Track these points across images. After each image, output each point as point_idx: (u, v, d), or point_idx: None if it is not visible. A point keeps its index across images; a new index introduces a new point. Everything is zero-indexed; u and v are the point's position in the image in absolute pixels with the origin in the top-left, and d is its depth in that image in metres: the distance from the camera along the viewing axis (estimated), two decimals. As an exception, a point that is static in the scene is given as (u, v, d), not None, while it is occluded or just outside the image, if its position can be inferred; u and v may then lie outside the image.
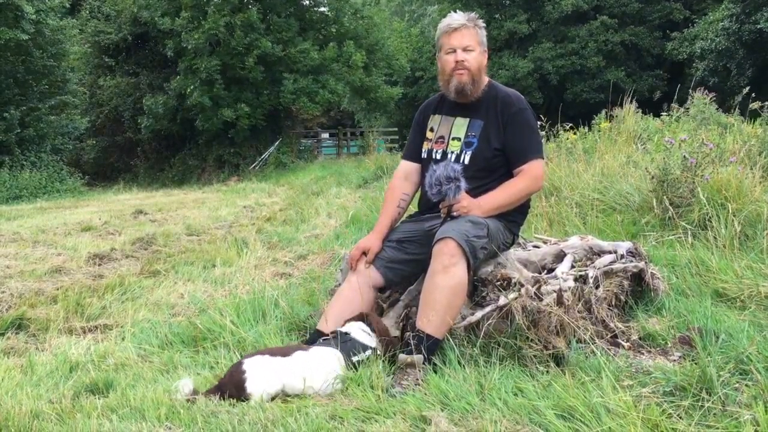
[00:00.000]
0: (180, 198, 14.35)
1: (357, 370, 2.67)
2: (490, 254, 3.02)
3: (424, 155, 3.33)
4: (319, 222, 8.09)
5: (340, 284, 3.42)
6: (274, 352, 2.68)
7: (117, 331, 3.71)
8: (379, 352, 2.80)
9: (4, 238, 7.32)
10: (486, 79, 3.26)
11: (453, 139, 3.21)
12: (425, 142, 3.34)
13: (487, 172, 3.13)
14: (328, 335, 2.86)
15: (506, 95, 3.20)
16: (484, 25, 3.24)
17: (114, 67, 25.86)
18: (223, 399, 2.51)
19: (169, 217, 9.66)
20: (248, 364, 2.58)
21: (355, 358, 2.71)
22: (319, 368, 2.61)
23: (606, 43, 31.74)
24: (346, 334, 2.82)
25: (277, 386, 2.57)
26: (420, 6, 41.53)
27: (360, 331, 2.85)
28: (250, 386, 2.52)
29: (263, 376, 2.55)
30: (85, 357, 3.20)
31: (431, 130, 3.33)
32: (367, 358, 2.73)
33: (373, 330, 2.88)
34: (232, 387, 2.54)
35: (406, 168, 3.41)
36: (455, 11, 3.27)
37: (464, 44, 3.10)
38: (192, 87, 21.84)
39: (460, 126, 3.22)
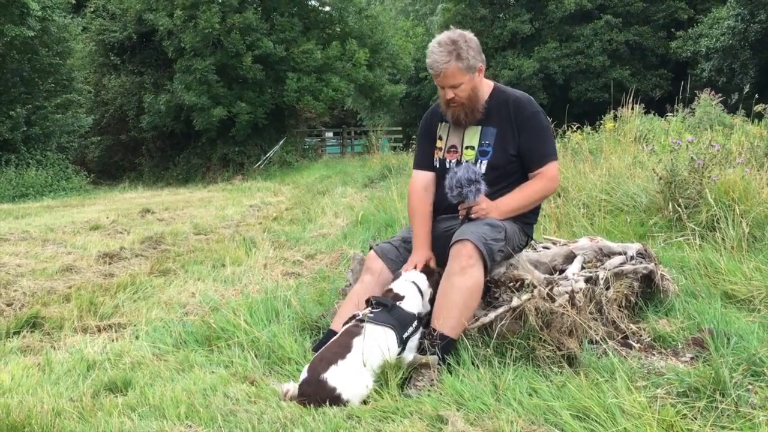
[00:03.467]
0: (186, 197, 14.40)
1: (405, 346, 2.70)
2: (506, 256, 3.05)
3: (436, 164, 3.29)
4: (326, 221, 8.12)
5: (350, 284, 3.45)
6: (337, 354, 2.60)
7: (131, 330, 3.75)
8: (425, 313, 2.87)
9: (13, 236, 7.37)
10: (489, 86, 3.21)
11: (467, 147, 3.19)
12: (436, 151, 3.30)
13: (503, 177, 3.15)
14: (376, 300, 2.83)
15: (517, 99, 3.18)
16: (468, 42, 3.02)
17: (119, 66, 25.90)
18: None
19: (176, 216, 9.70)
20: (333, 379, 2.52)
21: (405, 335, 2.71)
22: (377, 348, 2.62)
23: (610, 43, 31.75)
24: (399, 298, 2.83)
25: (370, 383, 2.56)
26: (424, 5, 41.49)
27: (413, 292, 2.87)
28: (347, 395, 2.51)
29: (354, 382, 2.54)
30: (102, 356, 3.24)
31: (440, 138, 3.30)
32: (414, 329, 2.76)
33: (432, 285, 2.93)
34: (323, 401, 2.48)
35: (424, 179, 3.32)
36: (442, 31, 3.13)
37: (450, 84, 3.03)
38: (183, 86, 21.82)
39: (472, 134, 3.19)
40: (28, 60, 19.86)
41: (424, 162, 3.36)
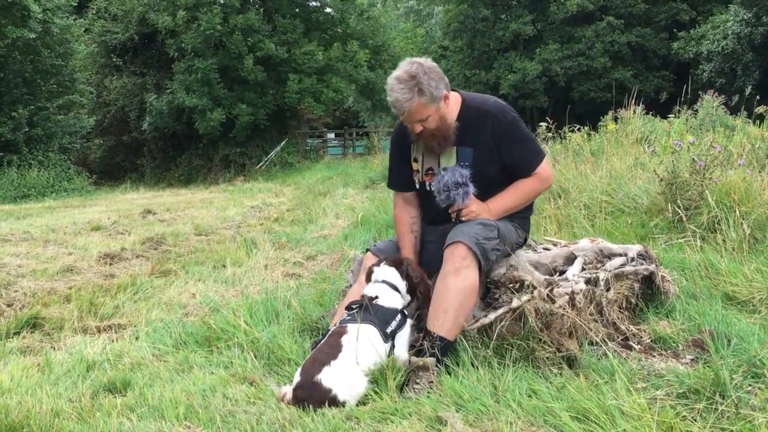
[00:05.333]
0: (187, 198, 14.41)
1: (393, 340, 2.71)
2: (503, 255, 3.04)
3: (418, 186, 3.22)
4: (327, 222, 8.13)
5: (350, 285, 3.44)
6: (329, 354, 2.60)
7: (131, 331, 3.75)
8: (408, 308, 2.87)
9: (15, 237, 7.38)
10: (457, 102, 3.07)
11: (443, 169, 3.09)
12: (414, 174, 3.21)
13: (486, 189, 3.07)
14: (357, 304, 2.83)
15: (490, 112, 3.03)
16: (429, 73, 2.88)
17: (121, 67, 25.93)
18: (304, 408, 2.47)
19: (178, 216, 9.71)
20: (327, 380, 2.51)
21: (389, 329, 2.71)
22: (368, 346, 2.64)
23: (612, 44, 31.74)
24: (374, 298, 2.82)
25: (364, 382, 2.57)
26: (428, 5, 41.52)
27: (388, 291, 2.85)
28: (343, 395, 2.50)
29: (348, 382, 2.54)
30: (101, 356, 3.24)
31: (415, 160, 3.20)
32: (399, 324, 2.76)
33: (405, 277, 2.91)
34: (320, 403, 2.47)
35: (403, 196, 3.29)
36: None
37: (416, 119, 2.93)
38: (183, 88, 21.81)
39: (448, 156, 3.08)
40: (30, 61, 19.91)
41: (399, 184, 3.29)
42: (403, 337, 2.77)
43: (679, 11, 31.71)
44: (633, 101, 8.06)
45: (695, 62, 28.45)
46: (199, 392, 2.65)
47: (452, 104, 3.03)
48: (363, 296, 2.88)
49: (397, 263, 2.98)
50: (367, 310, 2.75)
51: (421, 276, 2.97)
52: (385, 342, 2.69)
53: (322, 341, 2.75)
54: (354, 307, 2.81)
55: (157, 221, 9.11)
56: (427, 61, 2.95)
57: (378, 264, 2.98)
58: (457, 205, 3.00)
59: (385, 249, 3.22)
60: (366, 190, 12.44)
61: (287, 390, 2.56)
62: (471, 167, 3.02)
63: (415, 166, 3.20)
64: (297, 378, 2.57)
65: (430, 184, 3.12)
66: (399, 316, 2.79)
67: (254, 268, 5.27)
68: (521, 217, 3.21)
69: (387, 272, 2.94)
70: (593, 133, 8.84)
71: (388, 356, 2.68)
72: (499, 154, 3.03)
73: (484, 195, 3.07)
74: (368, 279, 2.98)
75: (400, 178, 3.29)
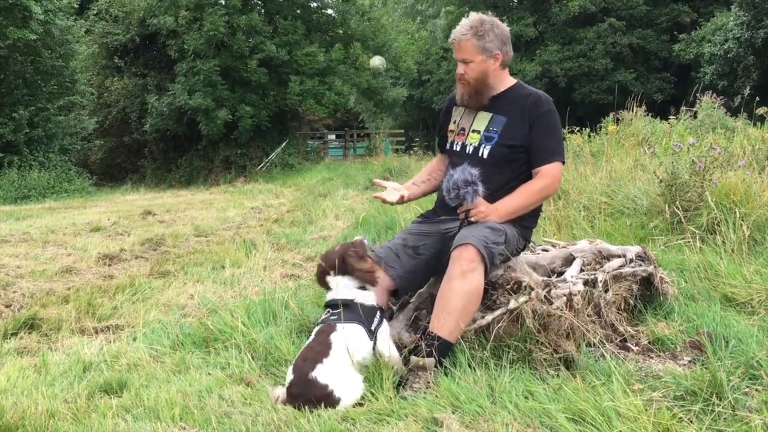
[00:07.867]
0: (187, 199, 14.40)
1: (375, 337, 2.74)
2: (504, 260, 3.04)
3: (447, 146, 3.40)
4: (327, 224, 8.13)
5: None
6: (320, 352, 2.60)
7: (128, 332, 3.75)
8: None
9: (14, 237, 7.37)
10: (511, 81, 3.27)
11: (473, 131, 3.23)
12: (449, 134, 3.39)
13: (505, 166, 3.14)
14: (335, 307, 2.82)
15: (537, 95, 3.21)
16: (495, 29, 3.11)
17: (122, 68, 25.93)
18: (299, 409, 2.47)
19: (178, 218, 9.70)
20: (322, 376, 2.52)
21: (373, 327, 2.74)
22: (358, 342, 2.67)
23: (614, 46, 31.75)
24: (352, 301, 2.82)
25: (359, 379, 2.59)
26: (431, 5, 41.50)
27: (360, 292, 2.86)
28: (339, 392, 2.50)
29: (344, 379, 2.55)
30: (98, 357, 3.23)
31: (454, 122, 3.38)
32: (379, 321, 2.80)
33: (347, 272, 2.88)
34: (317, 402, 2.47)
35: (442, 155, 3.54)
36: (467, 15, 3.24)
37: (462, 57, 3.13)
38: (186, 88, 21.77)
39: (481, 119, 3.23)
40: (31, 62, 19.88)
41: (443, 147, 3.51)
42: (384, 333, 2.79)
43: (681, 13, 31.73)
44: (634, 102, 8.05)
45: (696, 64, 28.44)
46: (195, 393, 2.65)
47: (505, 79, 3.24)
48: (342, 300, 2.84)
49: (343, 268, 2.89)
50: (351, 309, 2.75)
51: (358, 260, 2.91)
52: (371, 339, 2.71)
53: (310, 339, 2.75)
54: (338, 305, 2.81)
55: (156, 222, 9.10)
56: (503, 24, 3.19)
57: (328, 274, 2.93)
58: (465, 205, 3.00)
59: (385, 257, 3.15)
60: (366, 192, 12.44)
61: (280, 391, 2.55)
62: (498, 134, 3.14)
63: (452, 126, 3.37)
64: (290, 376, 2.57)
65: (456, 143, 3.28)
66: (379, 313, 2.82)
67: (253, 269, 5.26)
68: (524, 226, 3.22)
69: (342, 281, 2.89)
70: (593, 135, 8.84)
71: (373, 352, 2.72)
72: (527, 134, 3.13)
73: (498, 175, 3.11)
74: (325, 285, 2.96)
75: (443, 142, 3.50)
